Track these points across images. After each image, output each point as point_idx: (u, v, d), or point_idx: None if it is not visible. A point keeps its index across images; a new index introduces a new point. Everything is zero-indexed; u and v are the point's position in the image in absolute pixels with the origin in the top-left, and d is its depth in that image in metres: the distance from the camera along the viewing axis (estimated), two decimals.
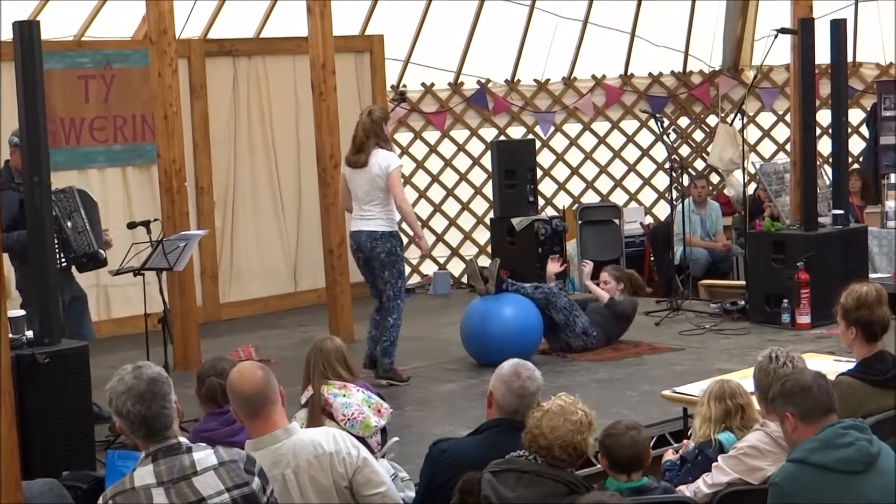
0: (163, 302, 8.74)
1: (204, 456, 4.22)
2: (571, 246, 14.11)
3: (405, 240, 9.46)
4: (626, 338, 10.56)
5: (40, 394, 6.84)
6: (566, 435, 4.66)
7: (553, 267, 10.74)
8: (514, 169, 13.36)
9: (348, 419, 6.16)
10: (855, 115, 15.10)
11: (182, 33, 11.71)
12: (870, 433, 4.51)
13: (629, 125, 15.90)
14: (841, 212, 11.11)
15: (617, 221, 14.41)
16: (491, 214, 14.12)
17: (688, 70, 16.29)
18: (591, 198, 15.53)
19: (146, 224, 8.84)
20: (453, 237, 14.84)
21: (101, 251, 8.74)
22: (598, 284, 10.59)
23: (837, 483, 4.38)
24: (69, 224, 8.53)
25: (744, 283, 11.99)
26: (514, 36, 14.94)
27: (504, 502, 4.55)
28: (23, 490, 4.36)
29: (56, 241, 7.87)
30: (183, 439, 4.28)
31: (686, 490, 5.23)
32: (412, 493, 5.70)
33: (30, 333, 6.99)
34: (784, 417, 4.65)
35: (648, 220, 15.62)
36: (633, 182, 15.96)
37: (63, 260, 8.38)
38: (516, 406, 5.06)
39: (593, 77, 15.62)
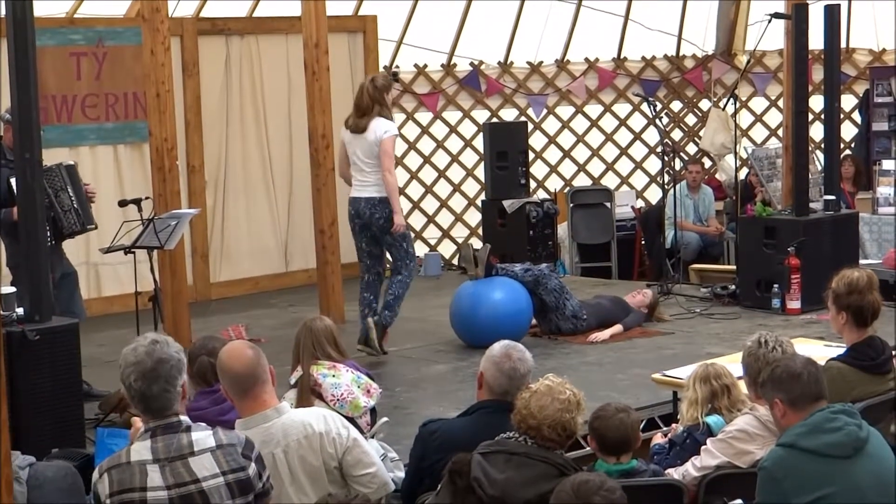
0: (153, 280, 8.73)
1: (203, 437, 4.22)
2: (562, 229, 14.13)
3: (406, 207, 9.45)
4: None
5: (30, 371, 6.83)
6: (555, 414, 4.67)
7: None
8: (506, 151, 13.37)
9: (337, 399, 6.17)
10: (847, 101, 15.12)
11: (174, 11, 11.67)
12: (859, 418, 4.53)
13: (622, 109, 15.90)
14: (832, 197, 11.11)
15: (608, 205, 14.43)
16: (482, 196, 14.12)
17: (681, 54, 16.29)
18: (582, 181, 15.53)
19: (137, 202, 8.82)
20: (444, 219, 14.84)
21: (89, 226, 8.72)
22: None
23: (826, 467, 4.39)
24: (58, 203, 8.52)
25: (734, 267, 12.01)
26: (508, 18, 14.92)
27: (493, 484, 4.56)
28: (38, 472, 4.35)
29: (46, 219, 7.85)
30: (184, 418, 4.27)
31: (675, 473, 5.25)
32: (401, 474, 5.70)
33: (20, 310, 6.98)
34: (773, 403, 4.67)
35: (640, 203, 15.63)
36: (624, 166, 15.96)
37: (52, 238, 8.36)
38: (507, 387, 5.07)
39: (586, 60, 15.60)
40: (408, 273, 9.40)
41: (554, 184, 15.43)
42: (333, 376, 6.23)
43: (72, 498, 4.49)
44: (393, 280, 9.43)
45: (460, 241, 14.41)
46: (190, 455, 4.17)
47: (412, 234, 9.52)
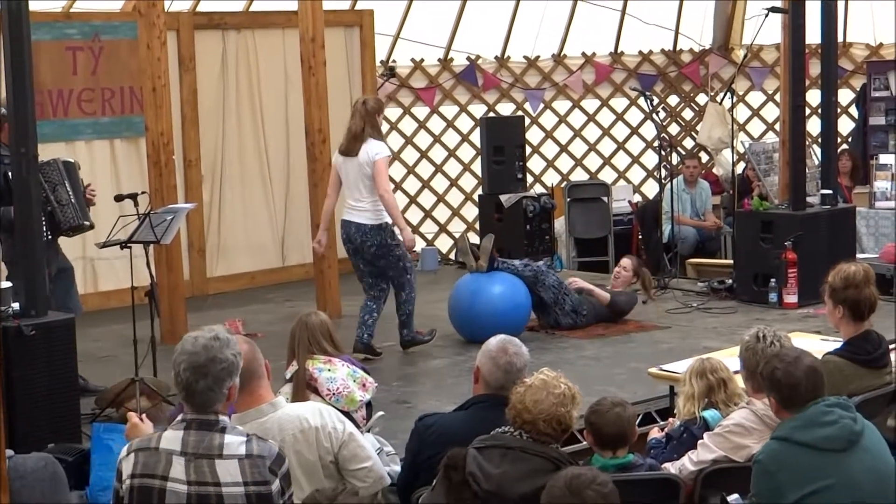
0: (150, 275, 8.71)
1: (234, 442, 4.17)
2: (559, 224, 14.12)
3: (403, 202, 9.49)
4: None
5: (26, 366, 6.83)
6: (550, 408, 4.66)
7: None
8: (503, 146, 13.36)
9: (333, 394, 6.16)
10: (844, 96, 15.10)
11: (171, 6, 11.65)
12: (854, 411, 4.53)
13: (619, 103, 15.89)
14: (829, 192, 11.11)
15: (605, 199, 14.41)
16: (479, 191, 14.12)
17: (678, 48, 16.27)
18: (579, 175, 15.52)
19: (133, 197, 8.79)
20: (441, 213, 14.83)
21: (86, 223, 8.71)
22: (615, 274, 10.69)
23: (821, 461, 4.39)
24: (55, 197, 8.49)
25: (731, 262, 12.00)
26: (504, 12, 14.90)
27: (489, 478, 4.55)
28: (17, 465, 4.34)
29: (42, 214, 7.83)
30: (223, 418, 4.22)
31: (671, 467, 5.25)
32: (397, 468, 5.69)
33: (16, 305, 6.97)
34: (769, 397, 4.67)
35: (637, 198, 15.62)
36: (621, 160, 15.95)
37: (49, 233, 8.35)
38: (503, 382, 5.06)
39: (583, 54, 15.59)
40: (410, 289, 9.43)
41: (551, 178, 15.42)
42: (329, 370, 6.22)
43: (54, 488, 4.49)
44: (399, 302, 9.44)
45: (457, 235, 14.40)
46: (217, 457, 4.13)
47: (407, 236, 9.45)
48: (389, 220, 9.21)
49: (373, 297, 9.46)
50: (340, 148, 9.37)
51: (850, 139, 15.37)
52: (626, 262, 10.80)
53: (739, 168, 14.38)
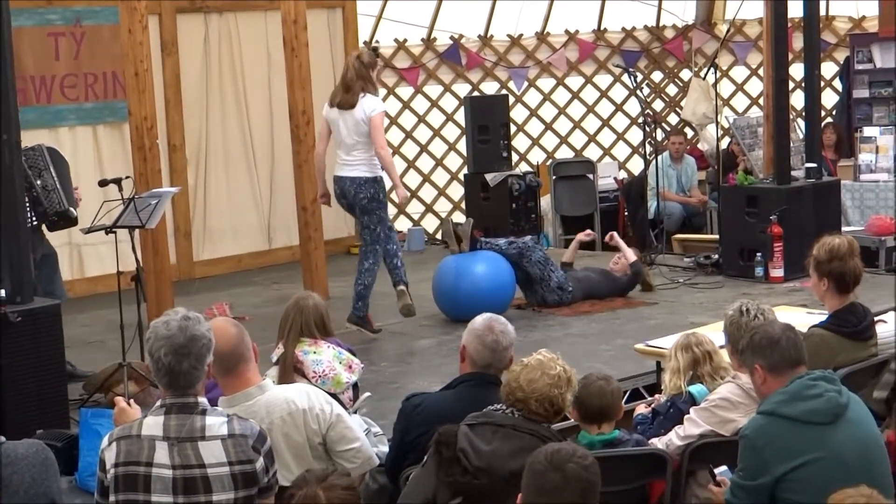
0: (136, 260, 8.68)
1: (216, 423, 4.18)
2: (545, 201, 14.13)
3: (389, 183, 9.47)
4: None
5: (13, 352, 6.83)
6: (543, 389, 4.67)
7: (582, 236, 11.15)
8: (488, 125, 13.32)
9: (319, 376, 6.13)
10: (828, 69, 15.14)
11: None
12: (839, 384, 4.54)
13: (602, 80, 15.89)
14: (814, 165, 11.12)
15: (591, 177, 14.43)
16: (465, 170, 14.10)
17: (661, 24, 16.28)
18: (564, 153, 15.53)
19: (118, 182, 8.76)
20: (427, 193, 14.83)
21: (72, 209, 8.68)
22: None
23: (807, 434, 4.41)
24: (39, 182, 8.46)
25: (717, 237, 12.03)
26: None
27: (480, 455, 4.56)
28: (7, 451, 4.35)
29: (26, 200, 7.81)
30: (202, 399, 4.22)
31: (658, 443, 5.26)
32: (385, 449, 5.70)
33: (1, 292, 6.96)
34: (753, 370, 4.68)
35: (622, 174, 15.63)
36: (606, 137, 15.96)
37: (33, 218, 8.32)
38: (489, 360, 5.07)
39: (566, 32, 15.58)
40: (374, 260, 9.33)
41: (536, 156, 15.43)
42: (315, 353, 6.19)
43: (45, 473, 4.49)
44: (360, 269, 9.31)
45: (444, 215, 14.40)
46: (200, 439, 4.14)
47: (390, 216, 9.44)
48: (383, 175, 9.20)
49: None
50: (332, 100, 9.30)
51: (834, 112, 15.40)
52: (624, 260, 10.64)
53: (724, 143, 14.39)
